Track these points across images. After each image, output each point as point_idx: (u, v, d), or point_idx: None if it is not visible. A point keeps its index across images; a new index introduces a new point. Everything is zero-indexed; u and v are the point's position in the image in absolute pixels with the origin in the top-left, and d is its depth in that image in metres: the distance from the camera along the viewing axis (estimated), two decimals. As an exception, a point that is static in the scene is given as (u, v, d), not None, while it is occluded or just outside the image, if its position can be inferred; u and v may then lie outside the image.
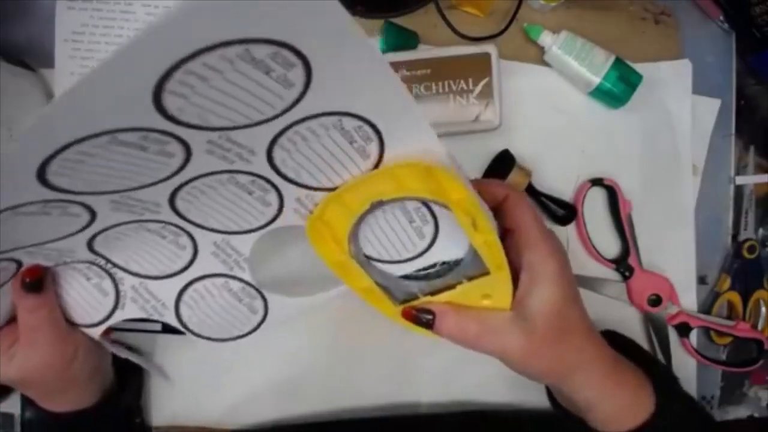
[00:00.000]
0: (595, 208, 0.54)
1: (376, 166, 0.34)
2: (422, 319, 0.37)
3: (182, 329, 0.44)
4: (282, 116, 0.29)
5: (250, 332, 0.45)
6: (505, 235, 0.37)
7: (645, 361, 0.42)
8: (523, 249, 0.36)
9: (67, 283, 0.40)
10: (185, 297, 0.43)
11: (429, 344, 0.53)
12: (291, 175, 0.35)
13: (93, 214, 0.33)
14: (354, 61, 0.27)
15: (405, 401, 0.54)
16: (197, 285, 0.42)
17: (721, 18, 0.56)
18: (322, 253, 0.37)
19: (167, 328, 0.49)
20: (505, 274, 0.36)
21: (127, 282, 0.41)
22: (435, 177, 0.32)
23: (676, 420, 0.38)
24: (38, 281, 0.38)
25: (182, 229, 0.38)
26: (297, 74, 0.26)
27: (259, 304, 0.44)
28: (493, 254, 0.35)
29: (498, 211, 0.37)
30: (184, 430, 0.53)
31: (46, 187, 0.28)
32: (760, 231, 0.58)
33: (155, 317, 0.43)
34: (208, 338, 0.45)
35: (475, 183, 0.36)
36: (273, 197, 0.37)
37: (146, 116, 0.25)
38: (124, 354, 0.46)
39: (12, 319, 0.40)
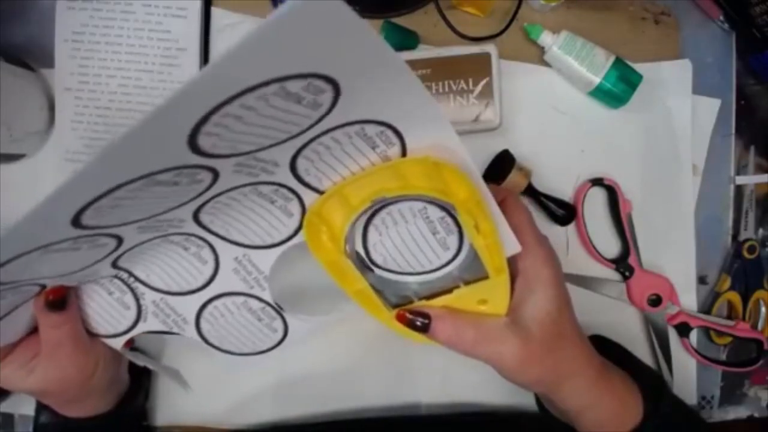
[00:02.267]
0: (595, 208, 0.54)
1: None
2: (417, 322, 0.37)
3: (204, 344, 0.44)
4: (307, 132, 0.30)
5: (270, 349, 0.45)
6: None
7: (633, 366, 0.42)
8: (517, 254, 0.36)
9: (89, 296, 0.40)
10: (205, 313, 0.43)
11: (428, 345, 0.53)
12: (314, 183, 0.35)
13: (120, 241, 0.34)
14: (379, 75, 0.27)
15: (405, 402, 0.54)
16: (217, 302, 0.43)
17: (721, 18, 0.56)
18: (315, 250, 0.36)
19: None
20: (505, 279, 0.35)
21: (148, 297, 0.42)
22: (442, 175, 0.31)
23: (665, 425, 0.38)
24: (62, 300, 0.38)
25: (205, 240, 0.39)
26: (326, 97, 0.27)
27: (279, 324, 0.44)
28: (494, 258, 0.34)
29: None
30: (184, 430, 0.53)
31: (80, 228, 0.29)
32: (760, 231, 0.58)
33: (176, 330, 0.43)
34: (229, 352, 0.45)
35: None
36: (295, 207, 0.37)
37: (181, 156, 0.26)
38: (143, 362, 0.46)
39: (33, 330, 0.40)
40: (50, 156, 0.49)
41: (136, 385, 0.48)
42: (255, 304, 0.43)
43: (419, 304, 0.37)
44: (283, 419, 0.53)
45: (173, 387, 0.52)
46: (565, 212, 0.52)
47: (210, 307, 0.43)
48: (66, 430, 0.44)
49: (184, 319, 0.43)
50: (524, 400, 0.54)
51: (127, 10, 0.48)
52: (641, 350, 0.56)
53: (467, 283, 0.36)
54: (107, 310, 0.41)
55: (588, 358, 0.38)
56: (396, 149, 0.33)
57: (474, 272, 0.35)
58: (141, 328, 0.42)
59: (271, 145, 0.30)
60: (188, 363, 0.51)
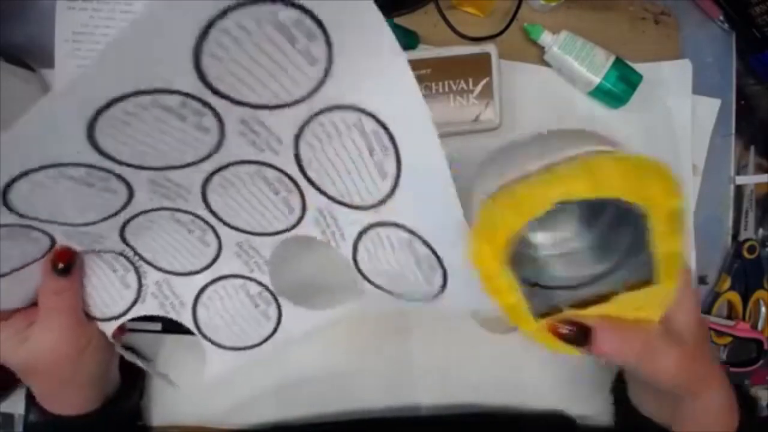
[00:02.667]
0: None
1: (392, 191, 0.33)
2: (574, 335, 0.33)
3: (195, 331, 0.44)
4: (307, 100, 0.30)
5: (259, 343, 0.45)
6: None
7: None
8: None
9: (92, 271, 0.41)
10: (204, 297, 0.43)
11: (428, 346, 0.53)
12: (314, 177, 0.35)
13: (131, 193, 0.34)
14: (373, 49, 0.27)
15: (405, 403, 0.54)
16: (217, 285, 0.43)
17: (721, 18, 0.56)
18: (475, 258, 0.30)
19: (167, 329, 0.49)
20: (673, 286, 0.31)
21: (151, 277, 0.42)
22: (641, 175, 0.28)
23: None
24: (69, 265, 0.38)
25: (209, 224, 0.39)
26: (319, 49, 0.27)
27: (273, 311, 0.44)
28: (671, 266, 0.31)
29: None
30: (184, 430, 0.53)
31: (95, 148, 0.29)
32: (760, 231, 0.58)
33: (172, 315, 0.43)
34: (218, 345, 0.45)
35: None
36: (296, 201, 0.37)
37: (186, 78, 0.26)
38: (131, 358, 0.46)
39: (32, 304, 0.41)
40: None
41: (129, 384, 0.48)
42: (253, 288, 0.43)
43: (571, 314, 0.33)
44: (283, 419, 0.53)
45: (174, 386, 0.52)
46: (565, 212, 0.53)
47: (209, 290, 0.43)
48: (56, 429, 0.44)
49: (181, 303, 0.43)
50: (524, 401, 0.54)
51: (127, 10, 0.48)
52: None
53: (630, 288, 0.32)
54: (107, 289, 0.42)
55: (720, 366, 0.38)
56: (391, 162, 0.32)
57: (639, 276, 0.32)
58: (137, 310, 0.43)
59: (275, 106, 0.30)
60: (189, 363, 0.51)
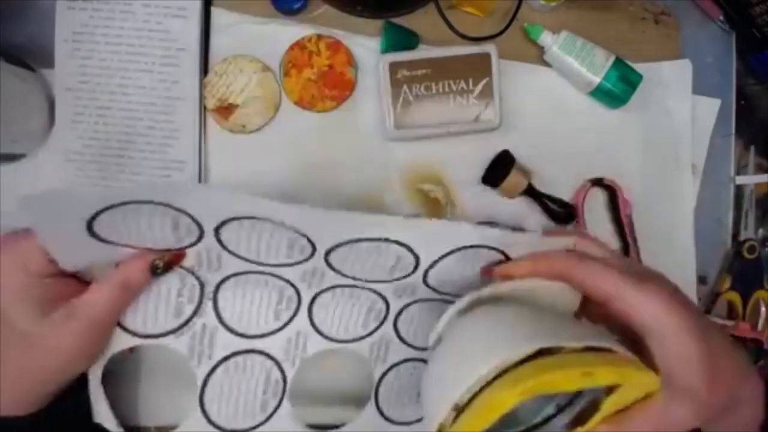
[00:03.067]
0: (595, 208, 0.54)
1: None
2: None
3: (198, 389, 0.43)
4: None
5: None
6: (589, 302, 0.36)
7: None
8: (626, 315, 0.33)
9: (159, 283, 0.40)
10: (230, 362, 0.43)
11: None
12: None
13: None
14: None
15: None
16: (250, 356, 0.44)
17: (721, 18, 0.56)
18: None
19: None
20: (643, 373, 0.30)
21: (205, 319, 0.42)
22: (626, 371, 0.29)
23: None
24: (168, 269, 0.38)
25: (299, 299, 0.43)
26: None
27: (271, 406, 0.45)
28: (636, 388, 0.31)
29: (568, 281, 0.35)
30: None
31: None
32: (760, 231, 0.58)
33: (192, 362, 0.42)
34: (207, 418, 0.44)
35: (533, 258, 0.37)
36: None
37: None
38: (95, 400, 0.41)
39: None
40: (50, 156, 0.49)
41: (79, 380, 0.41)
42: (275, 375, 0.44)
43: None
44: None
45: (173, 386, 0.51)
46: (565, 212, 0.53)
47: (239, 358, 0.43)
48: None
49: (209, 356, 0.43)
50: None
51: (127, 10, 0.48)
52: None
53: (608, 392, 0.31)
54: (159, 308, 0.40)
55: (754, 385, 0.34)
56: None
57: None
58: (167, 341, 0.41)
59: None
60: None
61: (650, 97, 0.54)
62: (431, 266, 0.39)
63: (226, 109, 0.50)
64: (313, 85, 0.50)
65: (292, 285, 0.42)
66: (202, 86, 0.50)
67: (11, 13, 0.49)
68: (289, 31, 0.51)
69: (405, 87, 0.49)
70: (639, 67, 0.52)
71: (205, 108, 0.50)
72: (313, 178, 0.51)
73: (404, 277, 0.41)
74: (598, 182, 0.53)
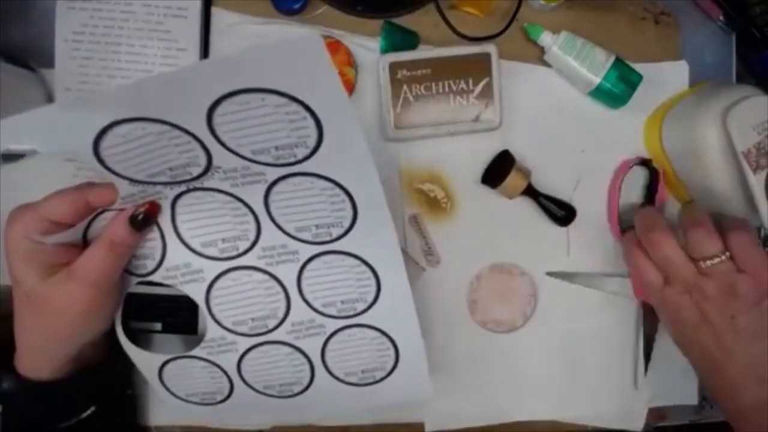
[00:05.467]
0: (593, 208, 0.54)
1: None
2: None
3: (204, 307, 0.43)
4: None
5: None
6: None
7: None
8: None
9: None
10: (219, 282, 0.43)
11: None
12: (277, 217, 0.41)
13: (209, 162, 0.37)
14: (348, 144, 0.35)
15: (408, 420, 0.54)
16: (236, 273, 0.43)
17: (721, 18, 0.56)
18: None
19: (167, 329, 0.49)
20: None
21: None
22: None
23: None
24: (147, 221, 0.38)
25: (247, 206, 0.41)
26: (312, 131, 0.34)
27: (280, 297, 0.44)
28: None
29: None
30: (185, 429, 0.53)
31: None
32: (762, 231, 0.58)
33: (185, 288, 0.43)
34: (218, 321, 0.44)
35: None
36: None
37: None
38: (125, 345, 0.45)
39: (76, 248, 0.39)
40: (50, 156, 0.49)
41: (112, 355, 0.46)
42: (257, 275, 0.43)
43: None
44: (282, 421, 0.53)
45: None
46: (565, 212, 0.52)
47: (232, 274, 0.43)
48: (30, 395, 0.42)
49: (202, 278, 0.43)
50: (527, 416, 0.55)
51: (127, 10, 0.48)
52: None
53: None
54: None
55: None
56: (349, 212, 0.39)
57: None
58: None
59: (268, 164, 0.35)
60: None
61: (650, 97, 0.54)
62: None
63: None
64: (313, 85, 0.50)
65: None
66: (202, 86, 0.50)
67: (11, 13, 0.50)
68: (289, 31, 0.51)
69: (405, 87, 0.49)
70: (638, 67, 0.52)
71: (205, 108, 0.50)
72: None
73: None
74: (644, 163, 0.53)
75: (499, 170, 0.51)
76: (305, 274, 0.43)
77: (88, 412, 0.44)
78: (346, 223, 0.40)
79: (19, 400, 0.42)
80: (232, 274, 0.42)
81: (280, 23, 0.51)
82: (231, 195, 0.39)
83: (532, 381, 0.55)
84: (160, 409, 0.53)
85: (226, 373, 0.46)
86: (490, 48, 0.50)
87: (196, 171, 0.37)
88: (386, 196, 0.38)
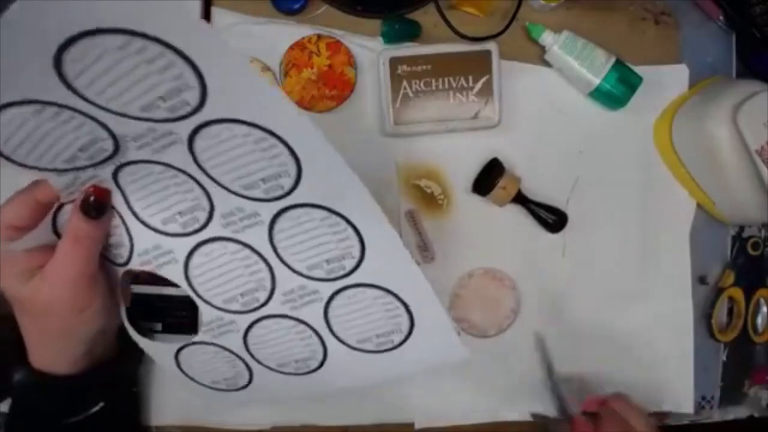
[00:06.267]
0: (590, 208, 0.54)
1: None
2: None
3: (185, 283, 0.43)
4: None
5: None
6: None
7: None
8: None
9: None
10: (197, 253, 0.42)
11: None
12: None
13: (116, 145, 0.35)
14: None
15: (397, 420, 0.54)
16: (210, 245, 0.41)
17: (721, 18, 0.56)
18: None
19: (167, 329, 0.49)
20: None
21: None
22: None
23: None
24: (101, 207, 0.37)
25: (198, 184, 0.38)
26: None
27: (263, 270, 0.42)
28: None
29: None
30: (185, 430, 0.53)
31: (62, 79, 0.29)
32: (763, 231, 0.58)
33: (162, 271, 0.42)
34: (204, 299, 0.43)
35: None
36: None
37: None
38: (133, 335, 0.45)
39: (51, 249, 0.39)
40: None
41: (126, 351, 0.46)
42: (232, 246, 0.41)
43: None
44: (282, 421, 0.53)
45: (174, 385, 0.52)
46: (556, 218, 0.52)
47: (203, 248, 0.41)
48: (41, 388, 0.42)
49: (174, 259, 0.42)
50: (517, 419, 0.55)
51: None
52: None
53: None
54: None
55: None
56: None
57: None
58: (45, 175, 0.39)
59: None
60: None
61: (649, 99, 0.54)
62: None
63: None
64: (313, 85, 0.50)
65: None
66: (202, 86, 0.50)
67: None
68: (289, 31, 0.51)
69: (405, 83, 0.49)
70: (638, 69, 0.52)
71: (205, 107, 0.50)
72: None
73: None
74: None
75: (488, 178, 0.51)
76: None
77: (97, 407, 0.44)
78: (356, 253, 0.39)
79: (30, 392, 0.43)
80: (203, 249, 0.41)
81: (280, 23, 0.51)
82: (161, 164, 0.37)
83: (523, 380, 0.55)
84: (160, 409, 0.53)
85: (237, 355, 0.45)
86: (490, 45, 0.50)
87: (107, 145, 0.35)
88: (383, 192, 0.38)
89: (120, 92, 0.31)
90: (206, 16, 0.50)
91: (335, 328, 0.43)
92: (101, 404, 0.44)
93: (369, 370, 0.45)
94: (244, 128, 0.32)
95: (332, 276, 0.40)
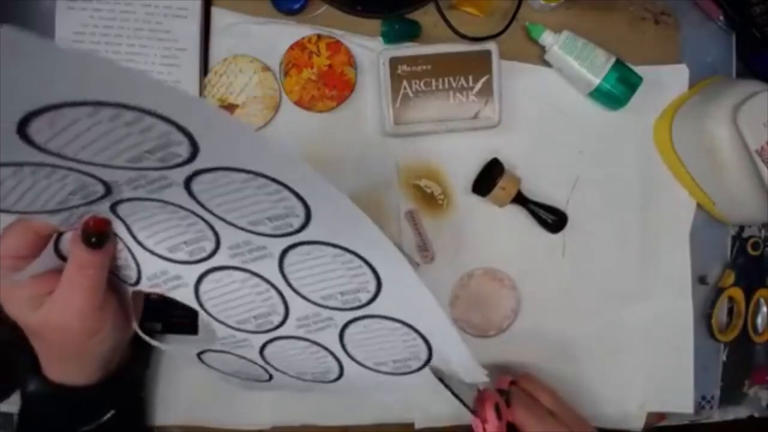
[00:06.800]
0: (589, 207, 0.54)
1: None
2: None
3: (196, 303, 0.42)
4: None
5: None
6: None
7: None
8: None
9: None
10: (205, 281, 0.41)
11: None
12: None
13: (107, 188, 0.33)
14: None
15: (398, 419, 0.54)
16: (217, 274, 0.41)
17: (721, 18, 0.56)
18: None
19: (168, 329, 0.49)
20: None
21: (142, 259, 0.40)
22: None
23: None
24: (101, 237, 0.37)
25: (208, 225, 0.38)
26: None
27: (277, 300, 0.41)
28: None
29: None
30: (185, 430, 0.53)
31: (29, 143, 0.27)
32: (763, 231, 0.58)
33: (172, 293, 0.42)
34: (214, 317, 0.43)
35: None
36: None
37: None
38: (148, 339, 0.44)
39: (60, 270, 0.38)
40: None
41: (135, 356, 0.47)
42: (241, 275, 0.41)
43: None
44: (282, 422, 0.53)
45: (175, 386, 0.52)
46: (556, 218, 0.52)
47: (212, 276, 0.41)
48: (55, 399, 0.42)
49: (185, 284, 0.41)
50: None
51: (127, 10, 0.49)
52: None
53: None
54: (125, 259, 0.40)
55: None
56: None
57: None
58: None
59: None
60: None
61: (648, 99, 0.54)
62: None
63: (226, 109, 0.50)
64: (313, 85, 0.50)
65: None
66: (202, 86, 0.50)
67: (12, 13, 0.50)
68: (289, 31, 0.51)
69: (405, 83, 0.49)
70: (638, 69, 0.52)
71: (205, 108, 0.50)
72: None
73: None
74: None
75: (487, 179, 0.51)
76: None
77: (108, 415, 0.44)
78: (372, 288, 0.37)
79: (43, 403, 0.43)
80: (212, 276, 0.40)
81: (280, 23, 0.51)
82: (159, 201, 0.36)
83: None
84: (160, 409, 0.53)
85: (255, 363, 0.45)
86: (490, 45, 0.50)
87: (98, 189, 0.34)
88: (385, 194, 0.37)
89: (100, 150, 0.29)
90: (206, 15, 0.50)
91: (351, 352, 0.43)
92: (112, 412, 0.44)
93: (388, 384, 0.45)
94: (243, 175, 0.31)
95: (348, 306, 0.39)
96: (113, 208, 0.36)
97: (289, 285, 0.39)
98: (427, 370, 0.42)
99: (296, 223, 0.33)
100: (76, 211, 0.36)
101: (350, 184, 0.52)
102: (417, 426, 0.54)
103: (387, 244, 0.33)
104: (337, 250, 0.35)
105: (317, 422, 0.54)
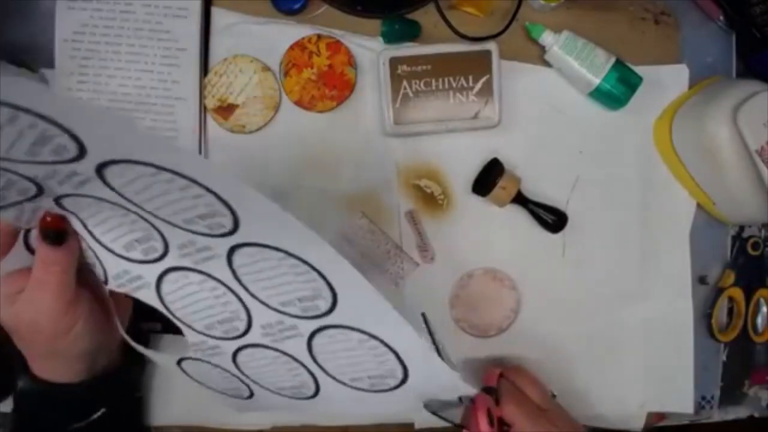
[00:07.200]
0: (592, 207, 0.54)
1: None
2: None
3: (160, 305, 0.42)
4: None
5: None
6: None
7: None
8: None
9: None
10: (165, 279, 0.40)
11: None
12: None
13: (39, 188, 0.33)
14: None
15: (398, 420, 0.54)
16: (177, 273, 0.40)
17: (721, 18, 0.56)
18: None
19: (167, 329, 0.49)
20: None
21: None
22: None
23: None
24: (59, 233, 0.36)
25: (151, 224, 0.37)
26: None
27: (229, 297, 0.40)
28: None
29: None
30: (184, 430, 0.53)
31: None
32: (763, 231, 0.58)
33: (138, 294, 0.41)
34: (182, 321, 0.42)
35: None
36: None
37: None
38: (135, 345, 0.44)
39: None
40: None
41: (130, 359, 0.47)
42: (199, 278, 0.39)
43: None
44: (282, 422, 0.54)
45: (174, 386, 0.52)
46: (556, 218, 0.52)
47: (170, 276, 0.40)
48: (43, 396, 0.42)
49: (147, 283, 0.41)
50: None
51: (127, 10, 0.49)
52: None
53: None
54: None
55: None
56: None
57: None
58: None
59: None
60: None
61: (648, 99, 0.54)
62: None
63: (226, 109, 0.50)
64: (313, 85, 0.50)
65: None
66: (202, 86, 0.50)
67: (12, 13, 0.50)
68: (289, 31, 0.51)
69: (405, 83, 0.49)
70: (638, 69, 0.52)
71: (205, 108, 0.50)
72: (312, 178, 0.51)
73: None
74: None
75: (488, 179, 0.51)
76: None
77: (99, 413, 0.44)
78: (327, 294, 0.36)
79: (33, 400, 0.43)
80: (169, 276, 0.39)
81: (280, 23, 0.51)
82: (88, 196, 0.35)
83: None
84: (160, 409, 0.53)
85: (233, 374, 0.44)
86: (490, 45, 0.50)
87: (31, 189, 0.33)
88: (384, 194, 0.36)
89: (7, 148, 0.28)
90: (206, 15, 0.50)
91: (323, 365, 0.41)
92: (103, 410, 0.44)
93: (368, 402, 0.43)
94: (168, 174, 0.30)
95: (308, 314, 0.38)
96: (58, 201, 0.36)
97: (246, 289, 0.38)
98: (406, 388, 0.41)
99: (226, 222, 0.33)
100: (23, 207, 0.35)
101: (350, 184, 0.52)
102: (417, 426, 0.54)
103: (325, 247, 0.32)
104: (280, 253, 0.34)
105: (317, 422, 0.54)
